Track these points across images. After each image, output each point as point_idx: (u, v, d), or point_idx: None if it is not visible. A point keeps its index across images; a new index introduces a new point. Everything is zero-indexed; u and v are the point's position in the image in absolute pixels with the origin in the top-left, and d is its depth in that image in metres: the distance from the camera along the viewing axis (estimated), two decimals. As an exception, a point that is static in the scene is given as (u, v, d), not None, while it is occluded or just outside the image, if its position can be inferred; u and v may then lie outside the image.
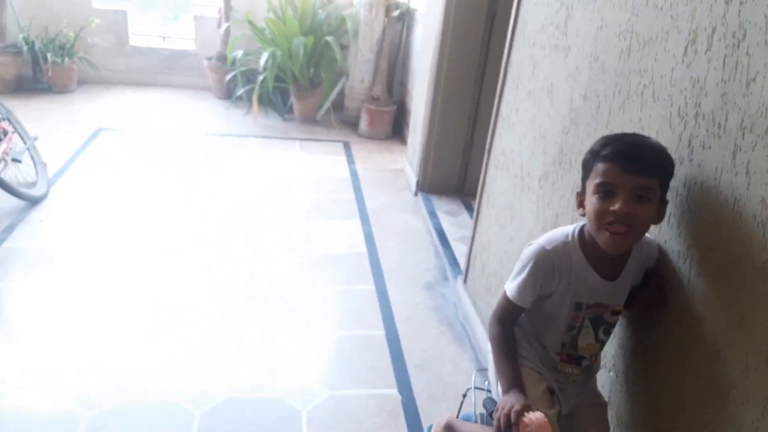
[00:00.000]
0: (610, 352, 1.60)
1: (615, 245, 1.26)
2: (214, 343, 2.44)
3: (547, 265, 1.36)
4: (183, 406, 2.13)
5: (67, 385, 2.16)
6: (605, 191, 1.24)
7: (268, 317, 2.65)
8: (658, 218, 1.29)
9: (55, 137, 4.30)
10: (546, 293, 1.39)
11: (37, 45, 5.17)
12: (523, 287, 1.39)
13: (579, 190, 1.37)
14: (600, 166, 1.25)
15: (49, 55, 5.11)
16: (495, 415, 1.33)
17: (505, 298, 1.44)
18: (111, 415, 2.06)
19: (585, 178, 1.32)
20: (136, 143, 4.52)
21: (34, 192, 3.40)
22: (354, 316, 2.71)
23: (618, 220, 1.22)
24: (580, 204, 1.36)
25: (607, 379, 1.61)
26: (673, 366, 1.35)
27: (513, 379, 1.38)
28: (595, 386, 1.57)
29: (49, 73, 5.18)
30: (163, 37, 5.93)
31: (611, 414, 1.56)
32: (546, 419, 1.23)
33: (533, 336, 1.48)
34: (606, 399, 1.58)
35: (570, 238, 1.38)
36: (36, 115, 4.71)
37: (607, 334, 1.46)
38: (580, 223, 1.41)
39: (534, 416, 1.24)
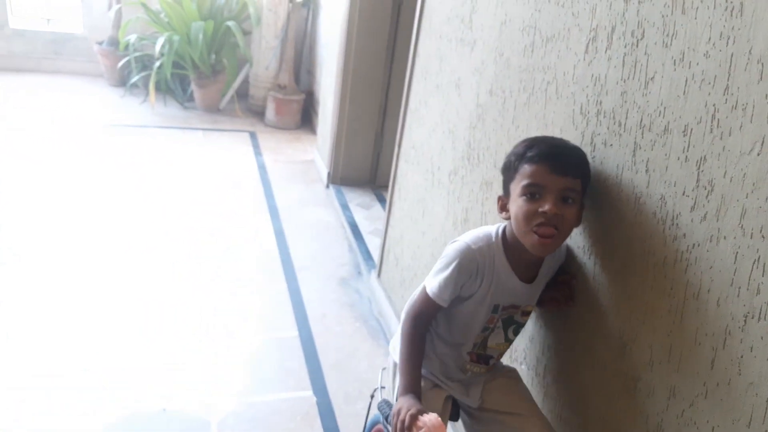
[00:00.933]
0: (521, 345, 1.62)
1: (543, 248, 1.24)
2: (114, 355, 2.27)
3: (471, 265, 1.33)
4: (84, 423, 1.96)
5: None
6: (532, 192, 1.22)
7: (170, 322, 2.50)
8: (578, 221, 1.29)
9: None
10: (466, 294, 1.37)
11: None
12: (445, 285, 1.35)
13: (501, 194, 1.35)
14: (527, 168, 1.23)
15: None
16: (392, 421, 1.30)
17: (424, 295, 1.39)
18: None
19: (509, 180, 1.29)
20: (20, 135, 4.14)
21: None
22: (265, 317, 2.62)
23: (547, 221, 1.20)
24: (503, 208, 1.34)
25: (519, 372, 1.63)
26: (581, 359, 1.38)
27: (412, 384, 1.35)
28: (498, 365, 1.57)
29: None
30: (48, 19, 5.45)
31: (523, 407, 1.58)
32: (440, 420, 1.21)
33: (444, 340, 1.46)
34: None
35: (494, 240, 1.36)
36: None
37: (516, 333, 1.47)
38: (501, 224, 1.39)
39: (428, 418, 1.22)
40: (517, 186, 1.25)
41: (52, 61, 5.34)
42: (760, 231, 0.94)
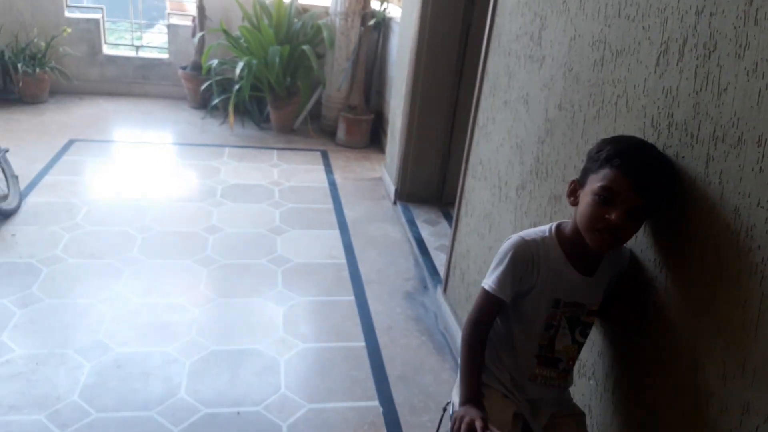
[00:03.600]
0: (590, 360, 1.61)
1: (600, 246, 1.28)
2: (192, 357, 2.40)
3: (526, 256, 1.36)
4: (159, 420, 2.08)
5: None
6: (606, 197, 1.23)
7: (246, 328, 2.61)
8: (636, 232, 1.30)
9: (27, 149, 4.22)
10: (525, 289, 1.38)
11: (7, 54, 5.08)
12: (503, 278, 1.36)
13: (576, 178, 1.35)
14: (610, 173, 1.23)
15: (19, 65, 5.02)
16: (453, 426, 1.31)
17: (483, 294, 1.40)
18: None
19: (590, 171, 1.29)
20: (110, 154, 4.46)
21: (6, 205, 3.32)
22: (333, 327, 2.69)
23: (608, 229, 1.23)
24: (572, 192, 1.35)
25: (587, 387, 1.62)
26: (651, 374, 1.36)
27: (473, 392, 1.36)
28: (570, 398, 1.56)
29: (20, 84, 5.08)
30: (137, 47, 5.86)
31: (593, 423, 1.57)
32: None
33: (508, 345, 1.46)
34: (586, 408, 1.58)
35: (548, 233, 1.39)
36: (6, 127, 4.62)
37: (584, 335, 1.46)
38: (556, 222, 1.42)
39: None
40: (595, 183, 1.26)
41: (140, 85, 5.72)
42: (840, 241, 0.91)
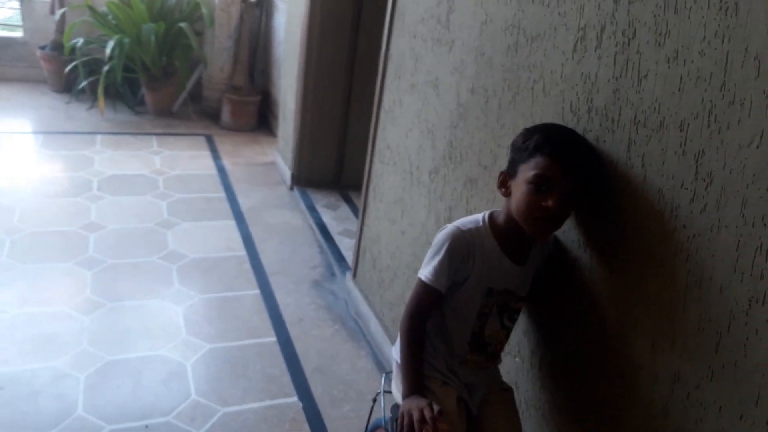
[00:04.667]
0: (515, 339, 1.65)
1: (541, 233, 1.32)
2: (86, 370, 2.18)
3: (462, 246, 1.36)
4: (57, 449, 1.88)
5: None
6: (541, 184, 1.25)
7: (144, 333, 2.42)
8: (568, 216, 1.34)
9: None
10: (461, 279, 1.39)
11: None
12: (440, 269, 1.36)
13: (505, 169, 1.36)
14: (542, 160, 1.24)
15: None
16: (402, 422, 1.30)
17: (420, 285, 1.40)
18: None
19: (520, 161, 1.30)
20: (-41, 147, 3.92)
21: None
22: (241, 323, 2.57)
23: (547, 216, 1.25)
24: (503, 183, 1.36)
25: (513, 365, 1.66)
26: (579, 350, 1.42)
27: (417, 384, 1.37)
28: (499, 376, 1.60)
29: None
30: (-18, 23, 5.18)
31: (521, 399, 1.61)
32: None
33: (441, 333, 1.47)
34: (513, 384, 1.62)
35: (482, 223, 1.40)
36: None
37: (512, 320, 1.49)
38: (488, 211, 1.43)
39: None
40: (527, 172, 1.27)
41: (-10, 66, 5.07)
42: (762, 219, 0.98)
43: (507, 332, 1.50)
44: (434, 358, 1.46)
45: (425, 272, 1.38)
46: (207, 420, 2.05)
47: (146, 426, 2.00)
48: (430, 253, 1.39)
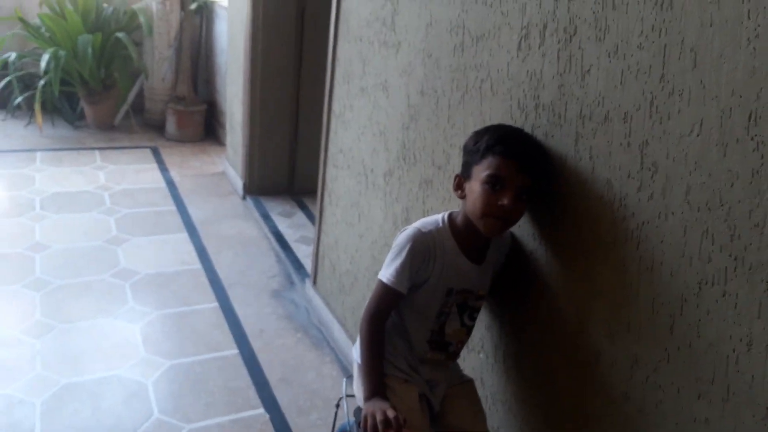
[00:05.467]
0: (478, 334, 1.67)
1: (495, 231, 1.34)
2: (42, 395, 2.10)
3: (423, 248, 1.38)
4: (13, 483, 1.80)
5: None
6: (495, 183, 1.28)
7: (100, 354, 2.34)
8: (523, 213, 1.37)
9: None
10: (420, 280, 1.40)
11: None
12: (401, 270, 1.37)
13: (459, 172, 1.39)
14: (494, 160, 1.28)
15: None
16: (366, 424, 1.30)
17: (381, 286, 1.41)
18: None
19: (473, 163, 1.33)
20: None
21: None
22: (200, 338, 2.51)
23: (502, 214, 1.28)
24: (459, 186, 1.39)
25: (477, 360, 1.68)
26: (540, 341, 1.45)
27: (378, 386, 1.37)
28: (458, 369, 1.62)
29: None
30: None
31: (486, 393, 1.64)
32: None
33: (401, 332, 1.48)
34: (479, 380, 1.65)
35: (442, 224, 1.42)
36: None
37: (472, 319, 1.52)
38: (447, 212, 1.45)
39: None
40: (481, 172, 1.30)
41: None
42: (706, 204, 1.03)
43: (468, 330, 1.52)
44: (395, 357, 1.46)
45: (386, 274, 1.39)
46: (171, 439, 2.01)
47: (107, 450, 1.94)
48: (390, 254, 1.40)
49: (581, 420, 1.35)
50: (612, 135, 1.19)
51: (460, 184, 1.38)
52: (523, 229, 1.46)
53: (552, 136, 1.34)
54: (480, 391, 1.64)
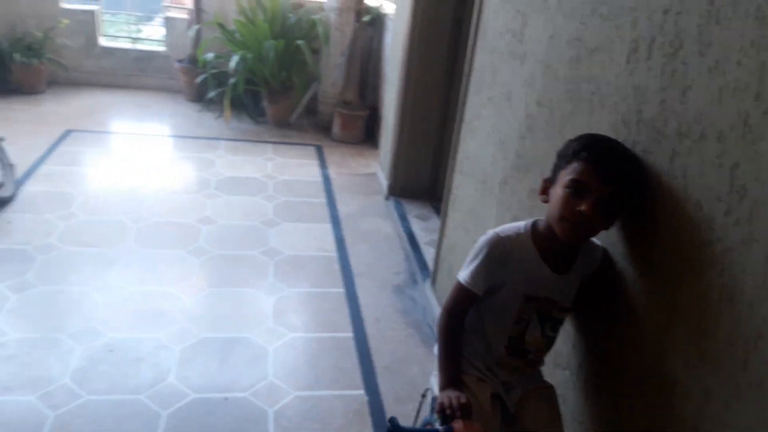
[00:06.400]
0: (565, 351, 1.65)
1: (571, 236, 1.32)
2: (182, 344, 2.45)
3: (500, 253, 1.40)
4: (147, 404, 2.13)
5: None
6: (576, 189, 1.27)
7: (237, 317, 2.66)
8: (609, 226, 1.34)
9: (24, 139, 4.25)
10: (497, 284, 1.43)
11: (4, 45, 5.10)
12: (477, 273, 1.41)
13: (548, 176, 1.40)
14: (579, 166, 1.28)
15: (16, 56, 5.04)
16: (440, 408, 1.35)
17: (458, 286, 1.45)
18: (76, 414, 2.05)
19: (560, 167, 1.34)
20: (106, 145, 4.50)
21: (2, 193, 3.37)
22: (322, 318, 2.74)
23: (580, 221, 1.27)
24: (544, 191, 1.39)
25: (561, 377, 1.66)
26: (621, 363, 1.41)
27: (452, 378, 1.41)
28: (539, 375, 1.60)
29: (17, 74, 5.11)
30: (134, 39, 5.89)
31: (566, 410, 1.61)
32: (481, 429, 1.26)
33: (480, 333, 1.51)
34: (561, 398, 1.62)
35: (524, 230, 1.43)
36: (3, 116, 4.66)
37: (554, 330, 1.50)
38: (533, 219, 1.46)
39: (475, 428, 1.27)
40: (564, 177, 1.30)
41: (137, 77, 5.75)
42: (789, 233, 0.96)
43: (548, 341, 1.51)
44: (472, 356, 1.50)
45: (464, 275, 1.44)
46: (279, 400, 2.23)
47: (226, 399, 2.21)
48: (469, 256, 1.45)
49: (649, 449, 1.30)
50: (705, 154, 1.14)
51: (545, 188, 1.39)
52: (615, 247, 1.43)
53: (650, 152, 1.31)
54: (562, 408, 1.61)
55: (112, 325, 2.53)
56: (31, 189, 3.62)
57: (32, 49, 5.18)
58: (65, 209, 3.43)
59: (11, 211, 3.33)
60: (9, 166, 3.61)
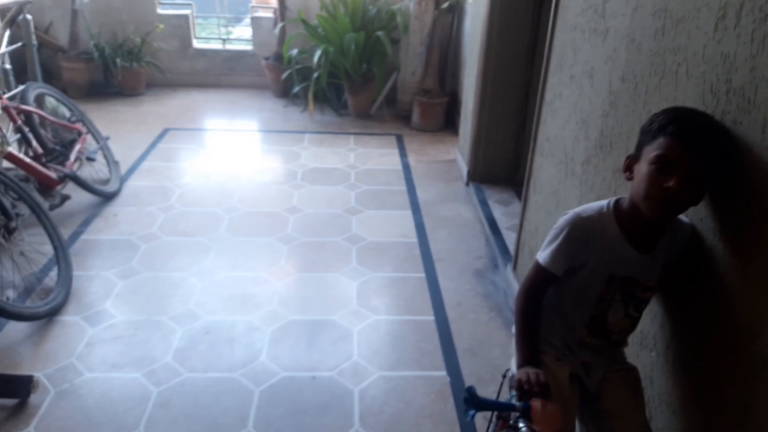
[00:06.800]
0: (652, 332, 1.61)
1: (658, 214, 1.27)
2: (273, 325, 2.58)
3: (581, 233, 1.38)
4: (242, 381, 2.27)
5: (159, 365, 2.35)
6: (663, 165, 1.23)
7: (323, 300, 2.77)
8: (697, 202, 1.29)
9: (126, 138, 4.59)
10: (578, 264, 1.40)
11: (107, 51, 5.50)
12: (557, 254, 1.39)
13: (631, 153, 1.36)
14: (665, 141, 1.23)
15: (118, 60, 5.43)
16: (518, 385, 1.35)
17: (537, 266, 1.44)
18: (177, 390, 2.22)
19: (644, 143, 1.30)
20: (200, 141, 4.77)
21: (108, 188, 3.66)
22: (404, 301, 2.80)
23: (666, 198, 1.22)
24: (628, 168, 1.35)
25: (648, 359, 1.62)
26: (709, 344, 1.36)
27: (528, 357, 1.40)
28: (622, 355, 1.57)
29: (119, 78, 5.50)
30: (224, 40, 6.18)
31: (653, 393, 1.58)
32: (558, 412, 1.25)
33: (559, 312, 1.49)
34: (648, 379, 1.59)
35: (606, 209, 1.40)
36: (108, 117, 5.03)
37: (638, 310, 1.46)
38: (615, 197, 1.43)
39: (549, 408, 1.26)
40: (650, 153, 1.26)
41: (228, 76, 6.03)
42: None
43: (632, 321, 1.48)
44: (550, 335, 1.50)
45: (543, 255, 1.43)
46: (364, 379, 2.31)
47: (313, 377, 2.32)
48: (549, 236, 1.44)
49: (740, 432, 1.25)
50: (800, 121, 1.09)
51: (629, 165, 1.35)
52: (704, 222, 1.38)
53: (740, 122, 1.25)
54: (648, 391, 1.58)
55: (208, 308, 2.70)
56: (134, 184, 3.91)
57: (132, 54, 5.56)
58: (165, 201, 3.67)
59: (117, 205, 3.61)
60: (114, 163, 3.91)
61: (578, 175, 2.09)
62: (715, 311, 1.34)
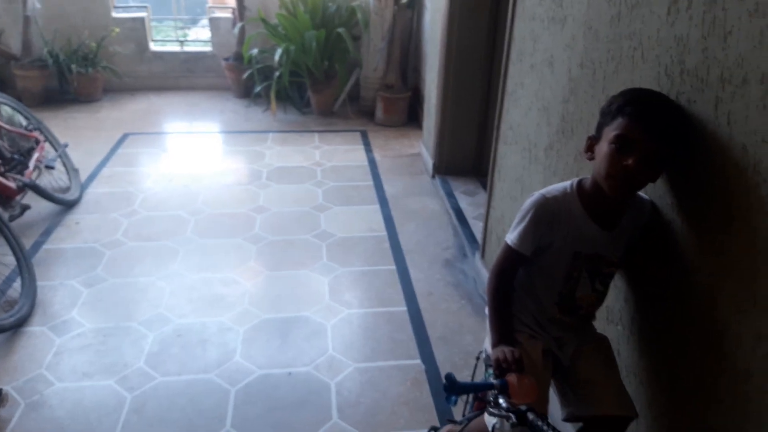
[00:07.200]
0: (617, 306, 1.67)
1: (618, 192, 1.33)
2: (245, 325, 2.57)
3: (547, 213, 1.43)
4: (217, 382, 2.26)
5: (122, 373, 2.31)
6: (621, 145, 1.28)
7: (295, 298, 2.77)
8: (655, 179, 1.35)
9: (85, 144, 4.48)
10: (546, 244, 1.45)
11: (62, 57, 5.36)
12: (525, 234, 1.44)
13: (592, 134, 1.41)
14: (623, 121, 1.28)
15: (73, 66, 5.29)
16: (495, 364, 1.38)
17: (506, 248, 1.49)
18: (151, 395, 2.20)
19: (604, 124, 1.35)
20: (161, 145, 4.69)
21: (68, 196, 3.58)
22: (376, 294, 2.81)
23: (625, 176, 1.28)
24: (589, 148, 1.41)
25: (615, 332, 1.68)
26: (673, 314, 1.42)
27: (503, 336, 1.45)
28: (592, 329, 1.62)
29: (75, 84, 5.37)
30: (181, 42, 6.09)
31: (621, 365, 1.63)
32: (534, 384, 1.28)
33: (530, 292, 1.53)
34: (616, 352, 1.64)
35: (570, 189, 1.45)
36: (65, 124, 4.91)
37: (604, 285, 1.52)
38: (578, 178, 1.48)
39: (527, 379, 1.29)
40: (609, 133, 1.31)
41: (187, 78, 5.94)
42: (836, 166, 0.96)
43: (599, 296, 1.53)
44: (522, 314, 1.54)
45: (511, 236, 1.47)
46: (340, 372, 2.32)
47: (289, 373, 2.32)
48: (516, 218, 1.48)
49: (704, 400, 1.31)
50: (749, 98, 1.14)
51: (591, 146, 1.40)
52: (663, 198, 1.44)
53: (694, 101, 1.31)
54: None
55: (178, 311, 2.67)
56: (95, 191, 3.83)
57: (87, 59, 5.42)
58: (128, 207, 3.61)
59: (79, 213, 3.53)
60: (73, 171, 3.83)
61: (541, 160, 2.14)
62: (677, 283, 1.40)
